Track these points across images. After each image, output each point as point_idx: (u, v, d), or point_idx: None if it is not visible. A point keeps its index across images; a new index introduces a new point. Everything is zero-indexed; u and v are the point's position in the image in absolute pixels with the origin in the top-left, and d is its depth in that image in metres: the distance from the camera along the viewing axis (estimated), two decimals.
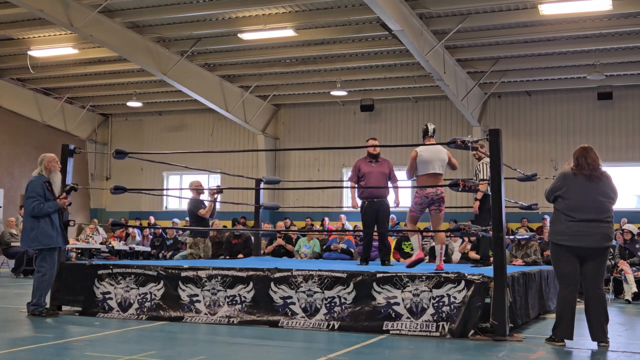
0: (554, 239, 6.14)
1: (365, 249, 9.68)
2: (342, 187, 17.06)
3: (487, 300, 6.38)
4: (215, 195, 10.25)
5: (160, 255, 17.27)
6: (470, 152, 7.52)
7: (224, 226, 16.90)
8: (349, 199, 9.77)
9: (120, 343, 6.16)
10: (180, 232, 16.89)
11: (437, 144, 8.30)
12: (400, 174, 9.16)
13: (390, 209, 9.56)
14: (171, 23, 15.51)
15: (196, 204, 10.27)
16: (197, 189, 10.47)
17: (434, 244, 9.37)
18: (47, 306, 7.71)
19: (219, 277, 7.39)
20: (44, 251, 7.57)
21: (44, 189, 7.51)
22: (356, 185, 9.42)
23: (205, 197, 10.56)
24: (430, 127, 8.27)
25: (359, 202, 9.44)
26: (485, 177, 8.59)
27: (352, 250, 13.69)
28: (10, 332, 6.63)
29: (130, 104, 21.34)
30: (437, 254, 8.16)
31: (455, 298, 6.43)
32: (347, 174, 19.18)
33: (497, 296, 6.32)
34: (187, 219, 11.12)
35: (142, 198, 22.38)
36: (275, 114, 21.37)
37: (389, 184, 9.39)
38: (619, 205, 6.50)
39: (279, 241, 14.03)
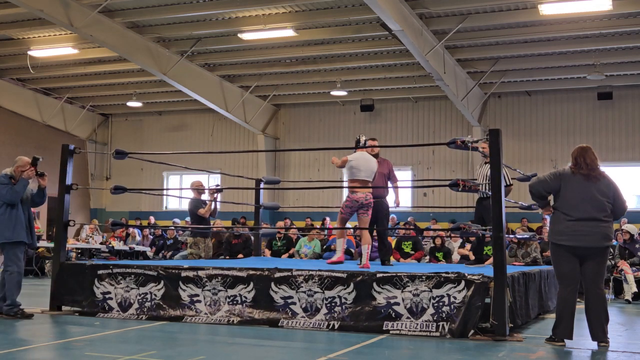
0: (553, 238, 6.14)
1: None
2: (342, 187, 17.02)
3: (487, 300, 6.38)
4: (215, 195, 10.25)
5: (160, 255, 17.27)
6: (474, 151, 7.64)
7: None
8: None
9: (120, 343, 6.16)
10: (181, 232, 16.89)
11: (436, 144, 8.36)
12: (401, 174, 9.21)
13: (390, 209, 9.59)
14: (171, 23, 15.50)
15: (197, 203, 10.28)
16: (198, 188, 10.47)
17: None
18: (21, 306, 7.51)
19: (220, 277, 7.39)
20: (7, 247, 7.46)
21: (9, 181, 7.53)
22: None
23: (206, 197, 10.56)
24: (362, 138, 8.84)
25: None
26: (509, 183, 8.82)
27: (352, 251, 13.69)
28: (10, 332, 6.62)
29: (130, 104, 21.34)
30: (363, 254, 8.61)
31: (455, 298, 6.43)
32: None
33: (497, 296, 6.32)
34: (187, 219, 11.12)
35: (142, 198, 22.37)
36: (275, 114, 21.37)
37: (389, 184, 9.42)
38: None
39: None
